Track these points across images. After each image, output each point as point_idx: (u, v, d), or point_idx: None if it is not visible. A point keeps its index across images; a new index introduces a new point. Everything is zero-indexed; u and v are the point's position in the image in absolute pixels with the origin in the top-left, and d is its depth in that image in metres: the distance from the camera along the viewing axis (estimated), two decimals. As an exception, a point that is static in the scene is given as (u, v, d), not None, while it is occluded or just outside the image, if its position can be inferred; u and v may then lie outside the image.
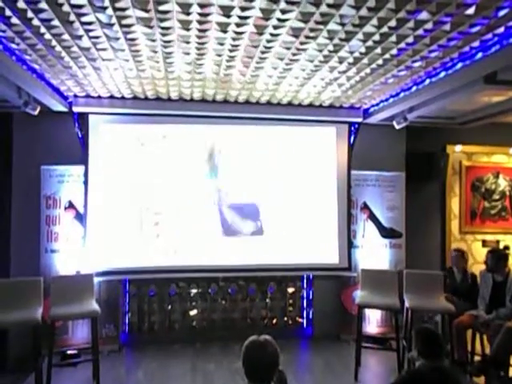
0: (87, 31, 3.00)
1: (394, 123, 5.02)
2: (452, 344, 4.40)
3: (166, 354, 4.97)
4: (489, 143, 6.04)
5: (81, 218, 4.97)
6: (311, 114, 5.24)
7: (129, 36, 3.09)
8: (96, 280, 4.74)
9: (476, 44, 3.15)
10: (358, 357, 4.46)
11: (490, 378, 4.09)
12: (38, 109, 4.40)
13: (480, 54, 3.30)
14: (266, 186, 5.34)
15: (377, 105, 5.07)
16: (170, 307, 5.34)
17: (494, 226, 6.11)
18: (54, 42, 3.20)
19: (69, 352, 4.76)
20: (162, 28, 2.95)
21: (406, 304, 4.43)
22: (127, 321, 5.26)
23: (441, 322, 4.69)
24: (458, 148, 6.03)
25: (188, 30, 2.97)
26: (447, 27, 2.88)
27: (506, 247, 4.73)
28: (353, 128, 5.54)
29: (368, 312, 5.33)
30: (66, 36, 3.08)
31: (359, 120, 5.41)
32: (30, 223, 4.88)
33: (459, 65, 3.56)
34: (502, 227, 6.12)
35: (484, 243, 6.06)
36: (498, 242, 6.06)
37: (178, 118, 5.13)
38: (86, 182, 4.97)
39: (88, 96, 4.82)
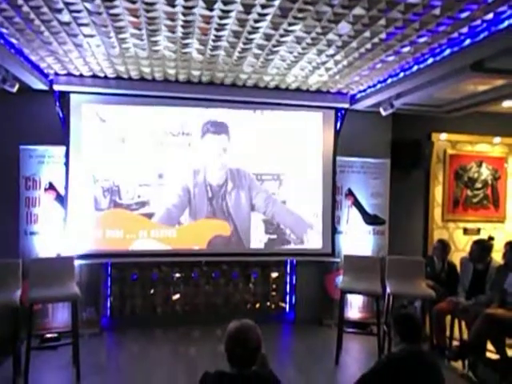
0: (67, 4, 2.88)
1: (381, 110, 5.00)
2: (431, 329, 4.48)
3: (147, 338, 4.94)
4: (473, 132, 6.09)
5: (61, 199, 4.86)
6: (298, 99, 5.18)
7: (111, 11, 2.98)
8: (77, 263, 4.67)
9: (465, 30, 3.13)
10: (339, 341, 4.50)
11: (468, 362, 4.19)
12: (17, 86, 4.24)
13: (468, 41, 3.28)
14: (250, 170, 5.31)
15: (364, 91, 5.04)
16: (152, 291, 5.30)
17: (475, 214, 6.19)
18: (32, 15, 3.07)
19: (48, 335, 4.69)
20: (146, 3, 2.85)
21: (388, 290, 4.47)
22: (109, 304, 5.20)
23: (421, 307, 4.76)
24: (443, 136, 6.07)
25: (173, 6, 2.88)
26: (437, 11, 2.85)
27: (491, 238, 4.75)
28: (339, 114, 5.50)
29: (350, 297, 5.37)
30: (45, 9, 2.95)
31: (346, 106, 5.37)
32: (9, 204, 4.75)
33: (447, 51, 3.54)
34: (483, 215, 6.21)
35: (465, 231, 6.14)
36: (479, 230, 6.16)
37: (163, 99, 5.01)
38: (66, 163, 4.85)
39: (69, 74, 4.66)
